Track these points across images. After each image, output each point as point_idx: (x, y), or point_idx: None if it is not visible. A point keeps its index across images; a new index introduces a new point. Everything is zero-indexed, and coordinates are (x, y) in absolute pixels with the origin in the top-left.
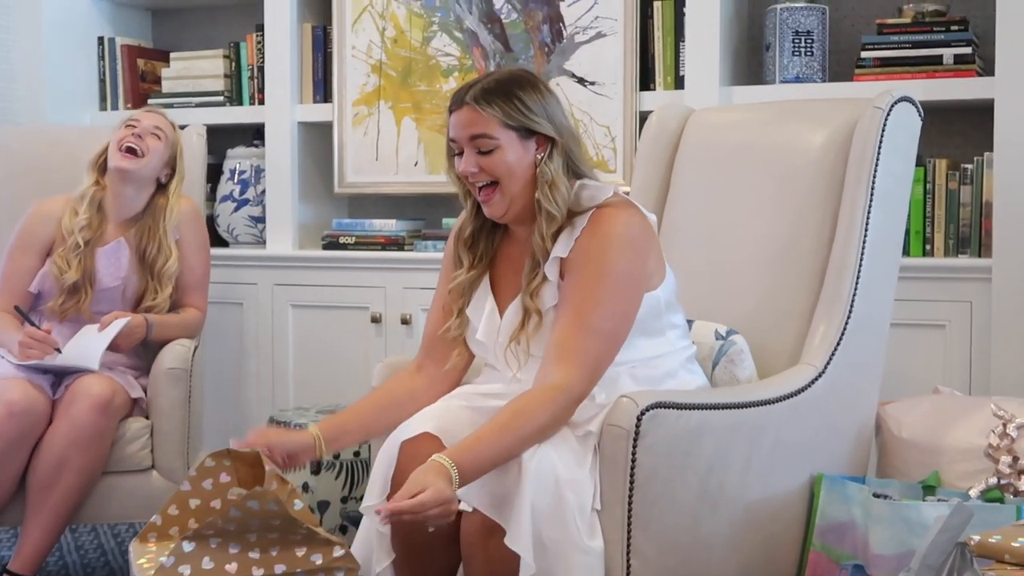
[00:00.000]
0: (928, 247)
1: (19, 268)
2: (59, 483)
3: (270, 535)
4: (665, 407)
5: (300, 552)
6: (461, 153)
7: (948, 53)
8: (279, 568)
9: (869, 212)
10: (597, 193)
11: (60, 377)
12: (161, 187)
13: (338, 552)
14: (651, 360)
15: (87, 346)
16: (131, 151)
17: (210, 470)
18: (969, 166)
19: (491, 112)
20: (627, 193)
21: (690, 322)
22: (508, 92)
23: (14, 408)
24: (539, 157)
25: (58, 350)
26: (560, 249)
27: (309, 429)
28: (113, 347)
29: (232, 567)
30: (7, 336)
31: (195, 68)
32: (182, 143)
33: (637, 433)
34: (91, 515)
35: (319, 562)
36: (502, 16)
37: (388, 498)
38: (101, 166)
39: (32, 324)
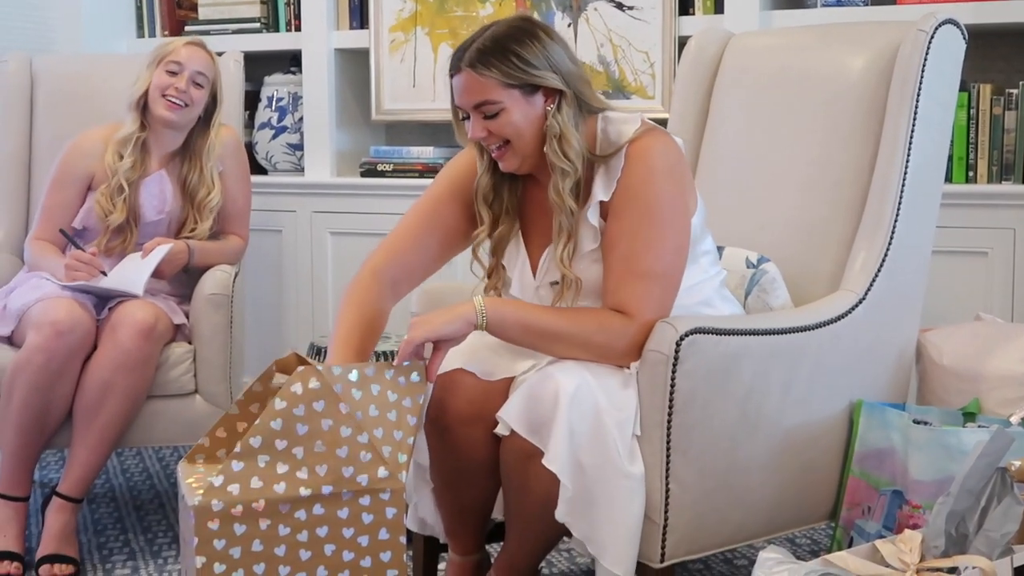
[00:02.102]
0: (971, 173)
1: (59, 202)
2: (105, 407)
3: (317, 449)
4: (704, 332)
5: (347, 472)
6: (468, 117)
7: None
8: (326, 488)
9: (912, 137)
10: (624, 127)
11: (104, 302)
12: (201, 118)
13: (382, 473)
14: (687, 290)
15: (131, 273)
16: (176, 104)
17: (258, 395)
18: (1014, 91)
19: (489, 75)
20: (664, 122)
21: (721, 248)
22: (504, 50)
23: (60, 327)
24: (548, 110)
25: (104, 272)
26: (601, 192)
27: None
28: (156, 273)
29: (280, 486)
30: (50, 261)
31: None
32: (220, 72)
33: (676, 358)
34: (136, 439)
35: (365, 484)
36: None
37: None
38: (143, 107)
39: (78, 247)
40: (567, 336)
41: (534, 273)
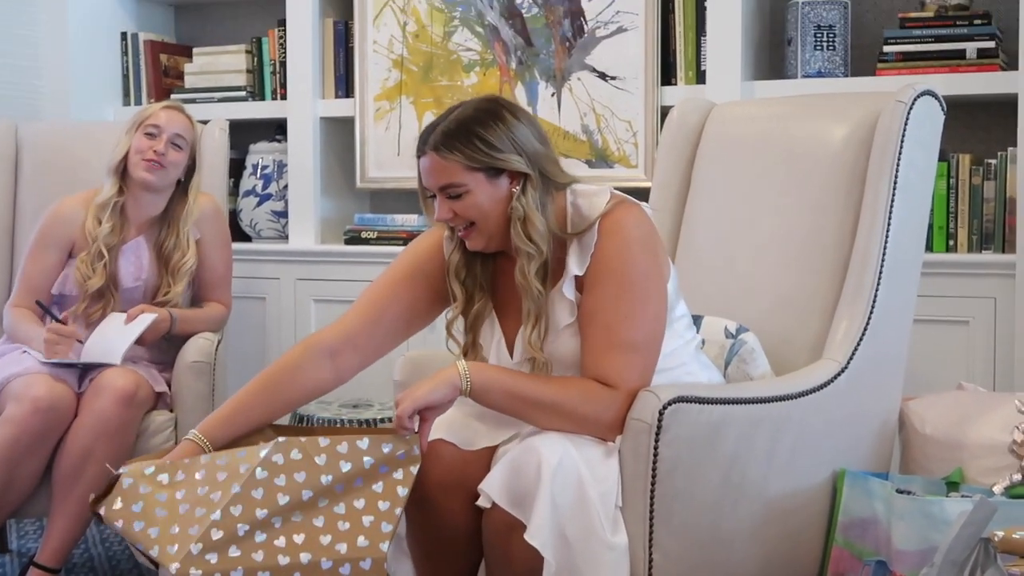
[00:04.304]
0: (951, 243)
1: (40, 269)
2: (84, 475)
3: (295, 519)
4: (687, 401)
5: (325, 540)
6: (435, 196)
7: (971, 47)
8: (304, 556)
9: (892, 206)
10: (595, 200)
11: (84, 370)
12: (180, 183)
13: (362, 542)
14: (664, 356)
15: (111, 339)
16: (154, 164)
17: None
18: (993, 161)
19: (453, 158)
20: (647, 191)
21: (700, 318)
22: (468, 132)
23: (40, 404)
24: (514, 191)
25: (80, 341)
26: (575, 267)
27: (189, 437)
28: (137, 341)
29: (258, 555)
30: (31, 330)
31: (217, 63)
32: (200, 137)
33: (659, 427)
34: None
35: (344, 551)
36: (523, 11)
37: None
38: (122, 172)
39: (55, 319)
40: (552, 405)
41: (510, 351)
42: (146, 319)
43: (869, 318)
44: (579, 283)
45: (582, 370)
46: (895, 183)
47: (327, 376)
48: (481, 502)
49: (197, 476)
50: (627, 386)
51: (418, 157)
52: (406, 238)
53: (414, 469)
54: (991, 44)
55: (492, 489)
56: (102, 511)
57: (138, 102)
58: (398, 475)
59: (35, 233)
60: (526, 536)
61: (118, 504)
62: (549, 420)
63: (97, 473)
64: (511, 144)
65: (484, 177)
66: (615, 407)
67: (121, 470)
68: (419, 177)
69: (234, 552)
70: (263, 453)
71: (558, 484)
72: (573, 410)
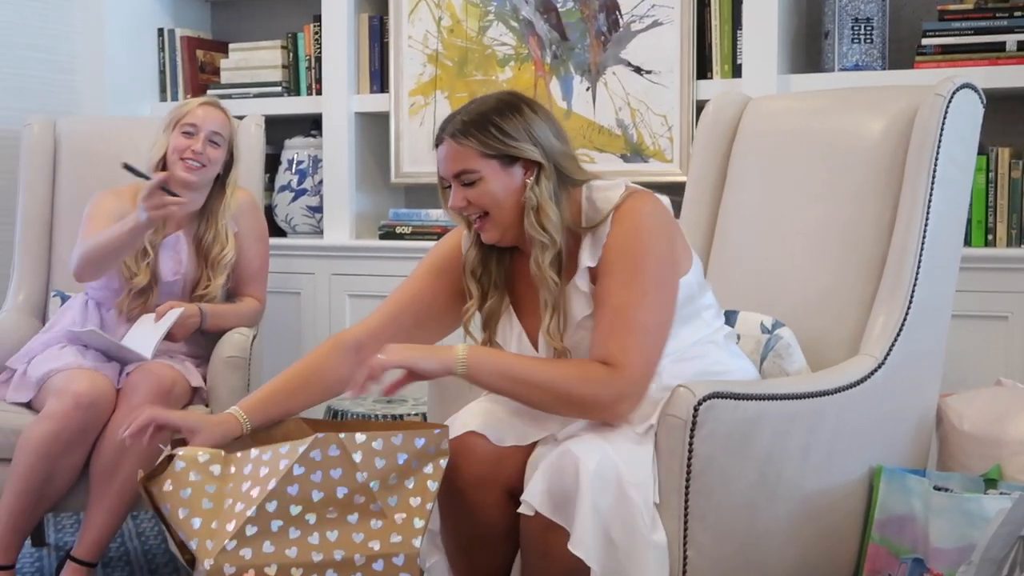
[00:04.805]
0: (990, 237)
1: (100, 230)
2: (121, 470)
3: (329, 515)
4: (722, 397)
5: (358, 538)
6: (451, 186)
7: (1011, 39)
8: (338, 553)
9: (930, 200)
10: (610, 193)
11: (122, 366)
12: (218, 178)
13: (395, 539)
14: (691, 347)
15: (142, 336)
16: (193, 164)
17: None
18: None
19: (468, 144)
20: (682, 185)
21: (735, 313)
22: (485, 121)
23: (81, 400)
24: (527, 182)
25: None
26: (588, 258)
27: (231, 411)
28: (168, 337)
29: (292, 551)
30: (111, 228)
31: (253, 59)
32: (237, 131)
33: (694, 423)
34: None
35: (377, 548)
36: (558, 5)
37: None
38: (161, 170)
39: (142, 176)
40: (549, 385)
41: (534, 345)
42: (174, 313)
43: (907, 313)
44: (593, 275)
45: (591, 350)
46: (933, 177)
47: (350, 367)
48: (523, 510)
49: (245, 471)
50: (629, 367)
51: (436, 146)
52: (440, 233)
53: (443, 463)
54: None
55: (534, 498)
56: (153, 490)
57: (175, 98)
58: (428, 470)
59: (87, 212)
60: (569, 546)
61: (168, 486)
62: (548, 401)
63: (134, 468)
64: (526, 134)
65: (498, 165)
66: (613, 387)
67: (177, 451)
68: (438, 168)
69: (268, 548)
70: (302, 449)
71: (598, 488)
72: (568, 391)
